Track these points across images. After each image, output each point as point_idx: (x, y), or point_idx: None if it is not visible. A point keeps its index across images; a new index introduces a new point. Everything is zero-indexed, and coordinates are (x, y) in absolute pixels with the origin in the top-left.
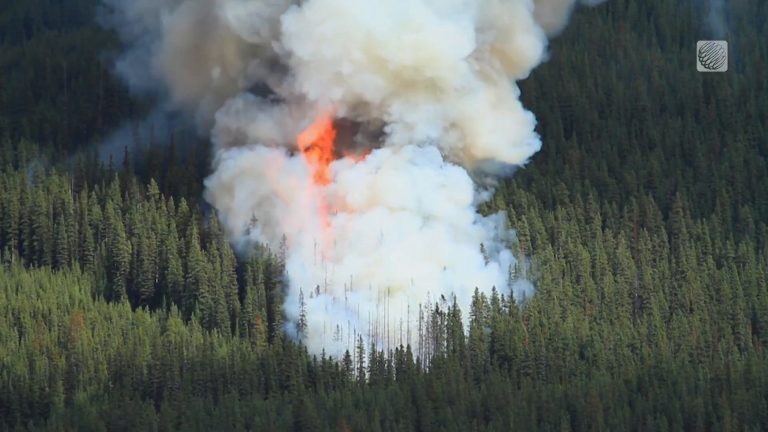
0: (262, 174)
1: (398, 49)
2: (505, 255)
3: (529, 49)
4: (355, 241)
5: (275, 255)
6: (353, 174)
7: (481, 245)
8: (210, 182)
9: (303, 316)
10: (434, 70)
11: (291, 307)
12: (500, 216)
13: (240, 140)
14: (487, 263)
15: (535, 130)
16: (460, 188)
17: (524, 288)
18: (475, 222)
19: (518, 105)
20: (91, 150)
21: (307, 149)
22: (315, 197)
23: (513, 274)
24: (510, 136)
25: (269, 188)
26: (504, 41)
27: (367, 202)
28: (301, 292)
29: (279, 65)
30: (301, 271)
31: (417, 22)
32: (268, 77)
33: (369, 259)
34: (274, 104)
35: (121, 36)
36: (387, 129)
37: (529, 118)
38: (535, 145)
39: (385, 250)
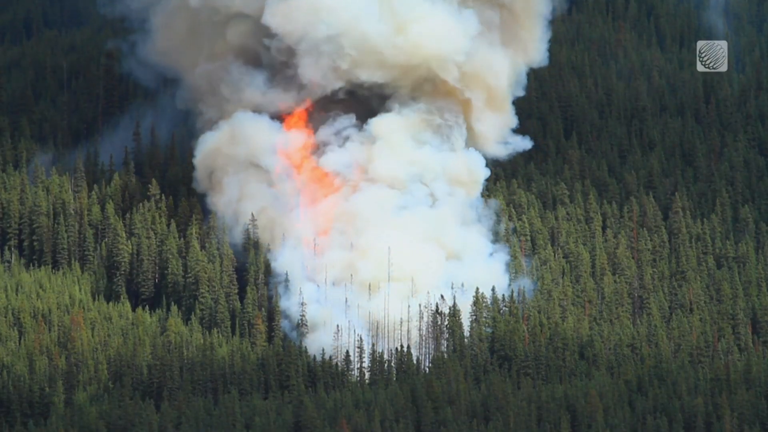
0: (246, 156)
1: (393, 53)
2: (501, 245)
3: (530, 47)
4: (352, 227)
5: (271, 253)
6: (349, 148)
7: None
8: (196, 173)
9: (303, 315)
10: (431, 69)
11: (286, 304)
12: (493, 204)
13: (222, 110)
14: (493, 253)
15: (531, 130)
16: (470, 167)
17: (524, 288)
18: (478, 220)
19: (508, 104)
20: (91, 150)
21: (294, 119)
22: (305, 177)
23: (513, 274)
24: (492, 131)
25: (253, 169)
26: (506, 37)
27: (364, 180)
28: (300, 291)
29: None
30: (299, 269)
31: (412, 21)
32: (258, 47)
33: (367, 247)
34: (257, 69)
35: (126, 24)
36: (388, 104)
37: (509, 121)
38: (517, 145)
39: (386, 237)
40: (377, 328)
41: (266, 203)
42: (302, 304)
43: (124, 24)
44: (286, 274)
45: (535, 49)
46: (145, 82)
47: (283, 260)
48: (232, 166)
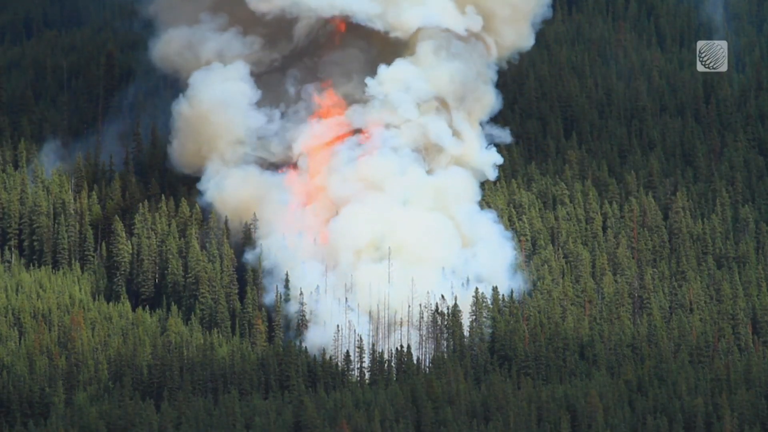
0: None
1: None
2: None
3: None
4: (354, 209)
5: (266, 249)
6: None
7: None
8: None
9: (303, 316)
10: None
11: (284, 299)
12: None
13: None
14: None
15: (531, 130)
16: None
17: (524, 288)
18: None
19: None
20: (91, 150)
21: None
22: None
23: (514, 273)
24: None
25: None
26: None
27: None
28: (301, 291)
29: None
30: (297, 267)
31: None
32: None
33: (369, 231)
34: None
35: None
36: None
37: (492, 104)
38: (496, 136)
39: (390, 219)
40: (377, 327)
41: (251, 186)
42: (302, 304)
43: (135, 5)
44: (286, 274)
45: (523, 35)
46: (149, 73)
47: (281, 256)
48: (212, 149)
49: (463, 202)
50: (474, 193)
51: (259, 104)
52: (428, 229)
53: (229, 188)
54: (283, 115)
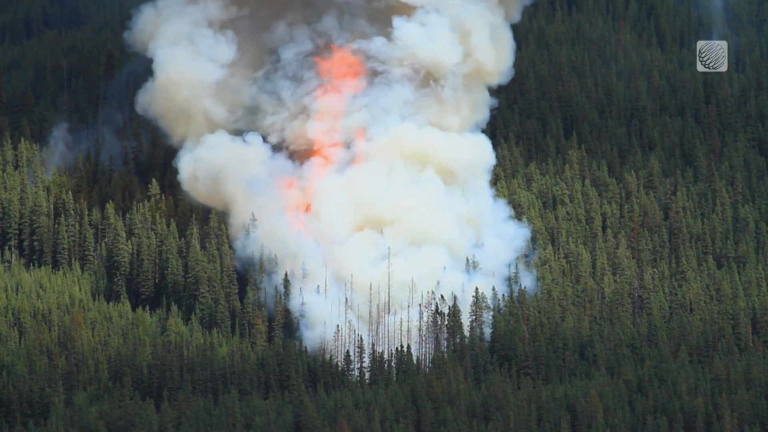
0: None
1: None
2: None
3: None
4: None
5: (274, 256)
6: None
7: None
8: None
9: (303, 315)
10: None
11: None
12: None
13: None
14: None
15: (531, 130)
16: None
17: (524, 288)
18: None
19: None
20: (91, 150)
21: None
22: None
23: (514, 274)
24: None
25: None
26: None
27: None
28: (301, 291)
29: None
30: (299, 267)
31: None
32: None
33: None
34: None
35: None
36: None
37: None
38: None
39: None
40: (377, 328)
41: (225, 159)
42: (302, 304)
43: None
44: (286, 274)
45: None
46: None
47: (277, 249)
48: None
49: (474, 177)
50: (487, 164)
51: (235, 72)
52: (433, 209)
53: (203, 163)
54: (266, 76)
